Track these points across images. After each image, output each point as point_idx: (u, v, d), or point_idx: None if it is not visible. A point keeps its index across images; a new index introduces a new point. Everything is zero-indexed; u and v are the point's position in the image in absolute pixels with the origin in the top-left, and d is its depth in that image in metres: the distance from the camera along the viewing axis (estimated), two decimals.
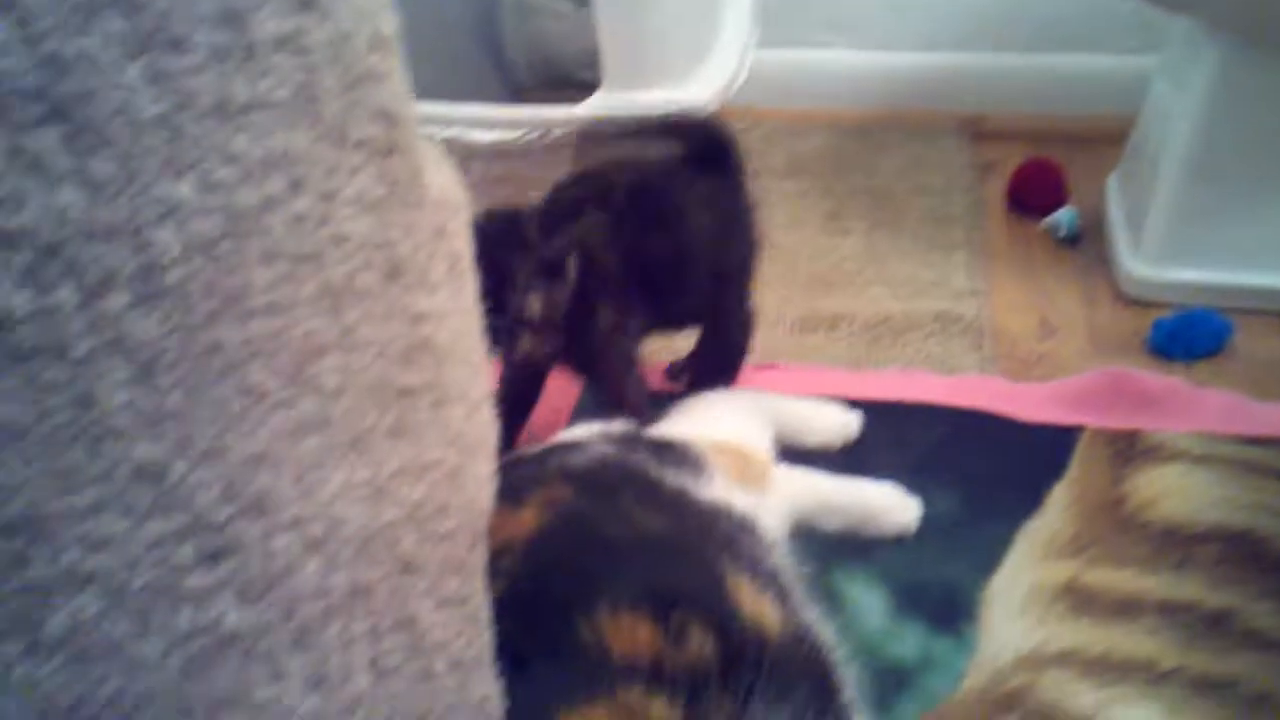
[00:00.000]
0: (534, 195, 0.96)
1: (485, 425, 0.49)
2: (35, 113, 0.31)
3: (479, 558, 0.49)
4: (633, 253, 0.93)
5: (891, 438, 1.02)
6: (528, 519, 0.68)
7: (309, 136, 0.36)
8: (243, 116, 0.34)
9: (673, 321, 1.02)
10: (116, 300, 0.33)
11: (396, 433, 0.41)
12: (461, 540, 0.46)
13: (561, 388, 1.08)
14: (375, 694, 0.43)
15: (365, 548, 0.41)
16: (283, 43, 0.35)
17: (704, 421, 0.93)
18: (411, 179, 0.41)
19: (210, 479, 0.36)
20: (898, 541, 0.91)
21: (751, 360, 1.09)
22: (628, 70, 1.25)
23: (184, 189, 0.34)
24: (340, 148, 0.37)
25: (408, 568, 0.43)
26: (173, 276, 0.34)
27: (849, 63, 1.68)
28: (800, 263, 1.34)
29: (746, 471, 0.84)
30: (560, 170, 1.25)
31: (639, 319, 0.96)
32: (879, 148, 1.58)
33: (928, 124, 1.62)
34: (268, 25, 0.35)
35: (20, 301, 0.32)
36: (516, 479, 0.72)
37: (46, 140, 0.31)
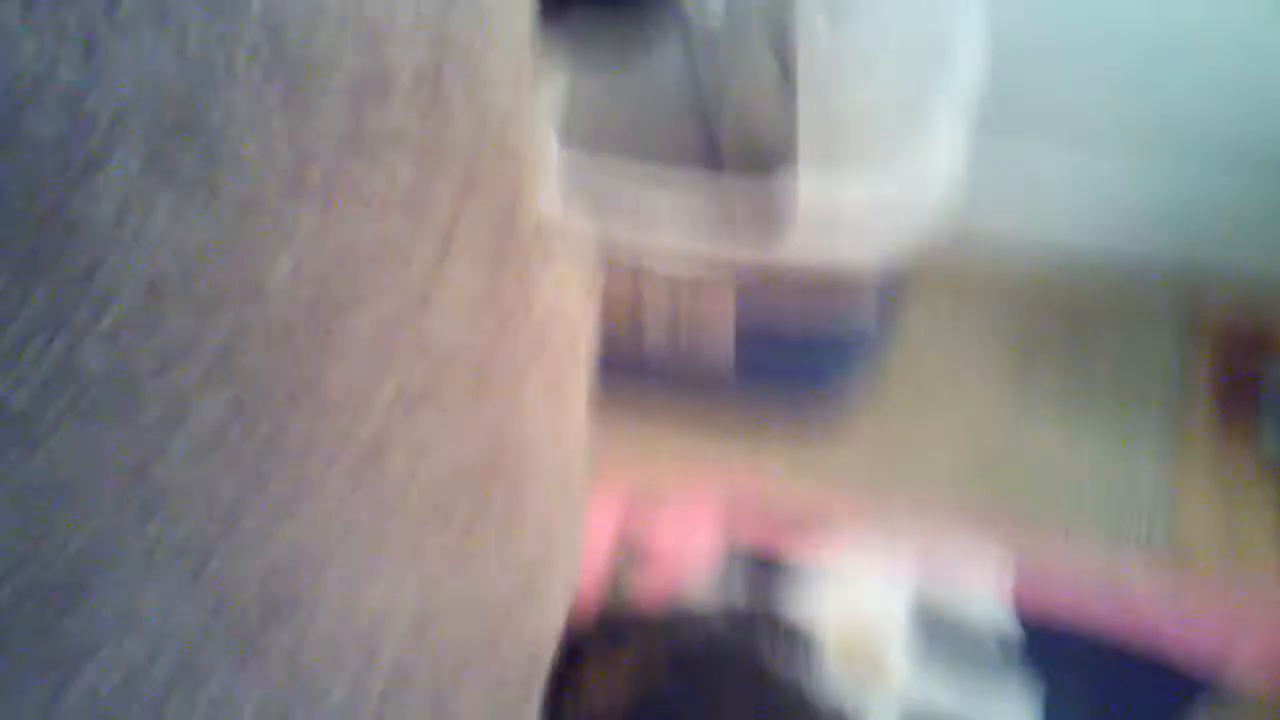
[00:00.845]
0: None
1: (564, 570, 0.47)
2: (176, 118, 0.30)
3: (530, 715, 0.46)
4: None
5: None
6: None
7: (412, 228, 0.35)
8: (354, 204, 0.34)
9: None
10: (190, 374, 0.33)
11: (455, 554, 0.38)
12: (511, 692, 0.43)
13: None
14: None
15: (399, 682, 0.38)
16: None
17: (837, 593, 0.88)
18: (519, 289, 0.40)
19: (249, 572, 0.34)
20: None
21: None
22: (823, 153, 1.21)
23: (283, 263, 0.33)
24: (444, 247, 0.36)
25: (443, 713, 0.40)
26: (249, 359, 0.33)
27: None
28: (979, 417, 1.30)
29: (864, 658, 0.78)
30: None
31: None
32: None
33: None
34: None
35: (100, 361, 0.31)
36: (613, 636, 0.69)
37: (184, 154, 0.30)
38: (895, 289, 1.31)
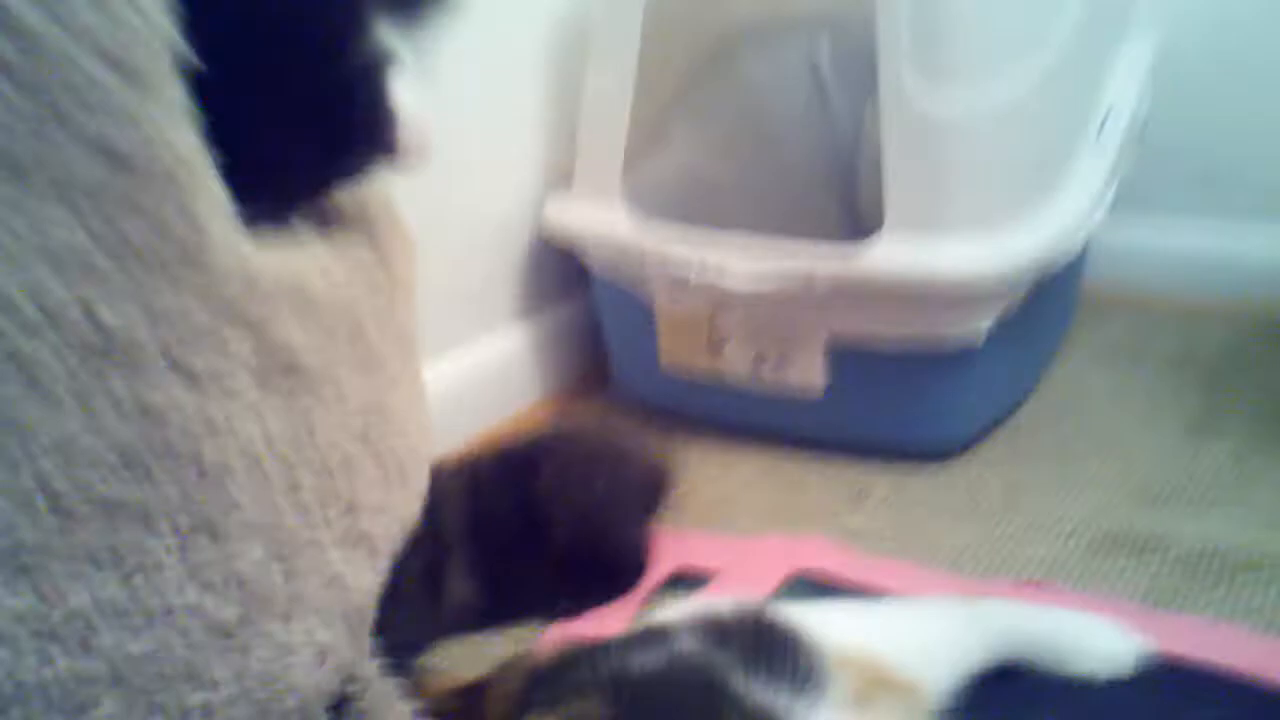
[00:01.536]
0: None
1: None
2: None
3: None
4: None
5: (1155, 706, 0.79)
6: None
7: None
8: None
9: None
10: None
11: None
12: None
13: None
14: None
15: None
16: None
17: (858, 621, 0.77)
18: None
19: None
20: None
21: (1023, 573, 0.96)
22: (916, 211, 1.10)
23: None
24: None
25: None
26: None
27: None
28: (1137, 469, 1.15)
29: (874, 697, 0.68)
30: (829, 320, 1.13)
31: None
32: None
33: None
34: None
35: None
36: (565, 680, 0.65)
37: None
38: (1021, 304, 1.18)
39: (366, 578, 0.56)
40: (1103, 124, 1.26)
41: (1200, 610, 0.92)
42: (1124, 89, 1.32)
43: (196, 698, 0.49)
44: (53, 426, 0.44)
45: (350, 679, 0.80)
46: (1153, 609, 0.92)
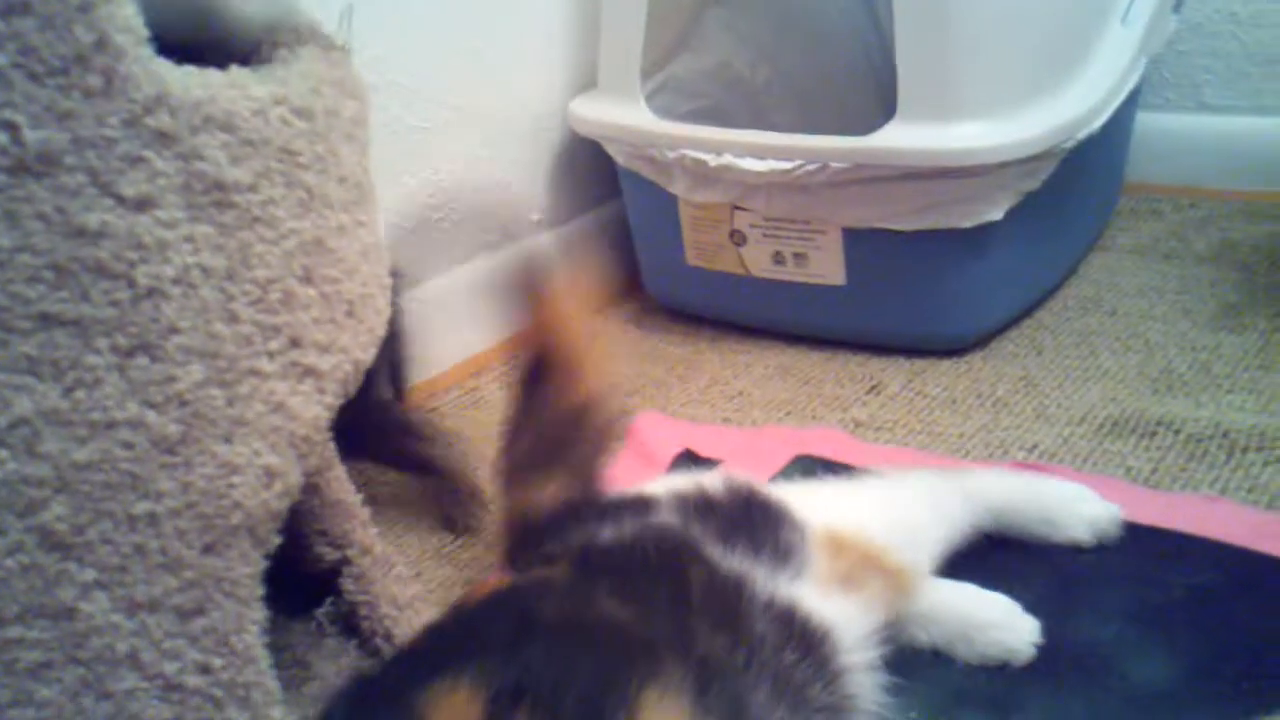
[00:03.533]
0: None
1: None
2: None
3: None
4: None
5: (1139, 571, 0.80)
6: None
7: None
8: None
9: None
10: None
11: None
12: None
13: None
14: None
15: None
16: None
17: (848, 500, 0.77)
18: None
19: None
20: (1059, 700, 0.70)
21: (1026, 458, 0.97)
22: (926, 98, 1.09)
23: None
24: None
25: None
26: None
27: None
28: (1155, 358, 1.14)
29: (862, 579, 0.68)
30: (845, 209, 1.13)
31: None
32: None
33: None
34: None
35: None
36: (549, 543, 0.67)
37: None
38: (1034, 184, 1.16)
39: (313, 410, 0.59)
40: (1130, 3, 1.22)
41: (1202, 489, 0.92)
42: None
43: (142, 506, 0.53)
44: None
45: (347, 544, 0.84)
46: (1145, 489, 0.92)
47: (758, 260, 1.26)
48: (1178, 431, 1.00)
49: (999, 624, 0.75)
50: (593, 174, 1.44)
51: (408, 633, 0.82)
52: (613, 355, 0.96)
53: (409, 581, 0.85)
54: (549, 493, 0.76)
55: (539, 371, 0.80)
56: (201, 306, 0.54)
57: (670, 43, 1.32)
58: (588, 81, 1.37)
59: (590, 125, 1.32)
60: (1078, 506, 0.84)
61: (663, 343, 1.35)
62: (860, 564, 0.70)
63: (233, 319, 0.55)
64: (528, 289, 0.82)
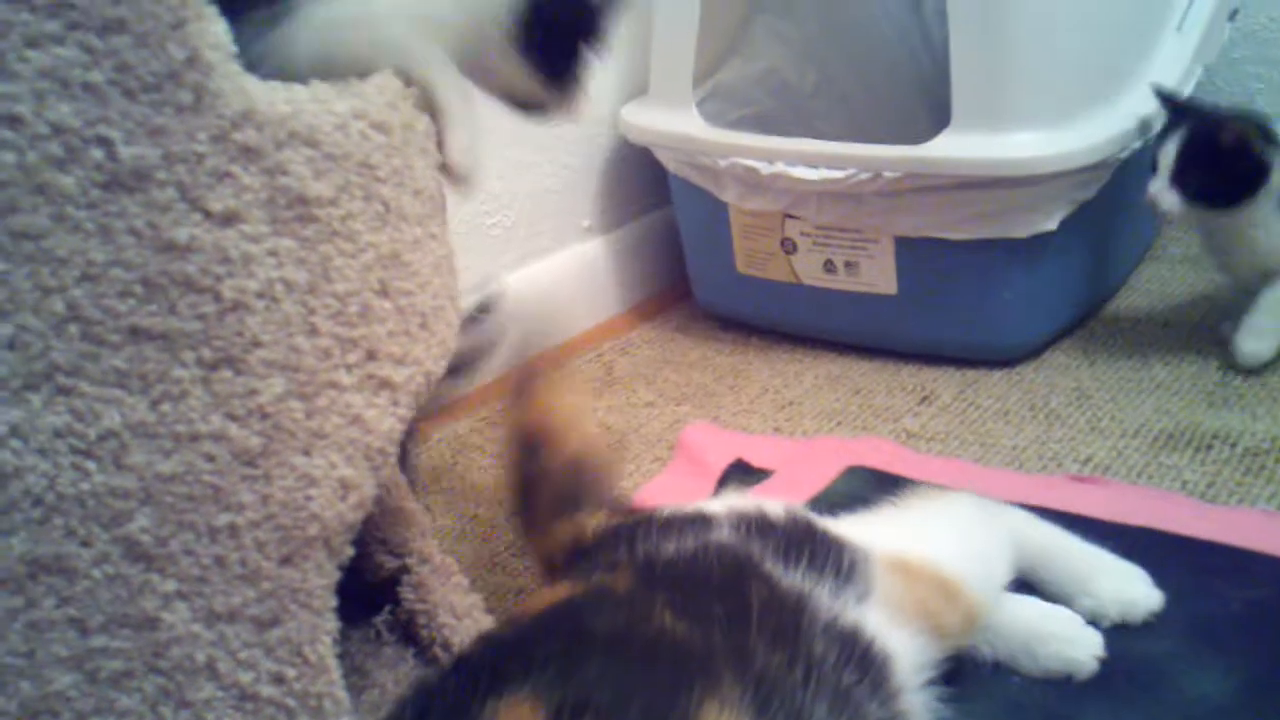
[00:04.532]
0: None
1: None
2: None
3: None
4: None
5: (1195, 585, 0.79)
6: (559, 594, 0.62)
7: None
8: None
9: None
10: None
11: None
12: None
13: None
14: None
15: None
16: None
17: (916, 528, 0.77)
18: None
19: None
20: (1115, 714, 0.69)
21: (1080, 471, 0.96)
22: (981, 107, 1.09)
23: None
24: None
25: None
26: None
27: None
28: (1209, 372, 1.13)
29: (936, 610, 0.67)
30: (897, 217, 1.13)
31: None
32: None
33: None
34: None
35: None
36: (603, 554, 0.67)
37: None
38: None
39: (387, 422, 0.60)
40: (1186, 11, 1.21)
41: (1259, 504, 0.91)
42: None
43: (223, 518, 0.54)
44: (81, 257, 0.48)
45: (407, 553, 0.84)
46: (1200, 501, 0.91)
47: (808, 268, 1.26)
48: (1234, 445, 0.99)
49: (1062, 637, 0.74)
50: (642, 181, 1.44)
51: (466, 641, 0.82)
52: (591, 416, 0.96)
53: (467, 590, 0.85)
54: (591, 523, 0.76)
55: (527, 443, 0.80)
56: (283, 320, 0.54)
57: (719, 50, 1.32)
58: (638, 88, 1.37)
59: (641, 132, 1.32)
60: (1104, 582, 0.79)
61: (712, 351, 1.35)
62: (935, 594, 0.69)
63: (313, 332, 0.56)
64: (520, 390, 0.82)
